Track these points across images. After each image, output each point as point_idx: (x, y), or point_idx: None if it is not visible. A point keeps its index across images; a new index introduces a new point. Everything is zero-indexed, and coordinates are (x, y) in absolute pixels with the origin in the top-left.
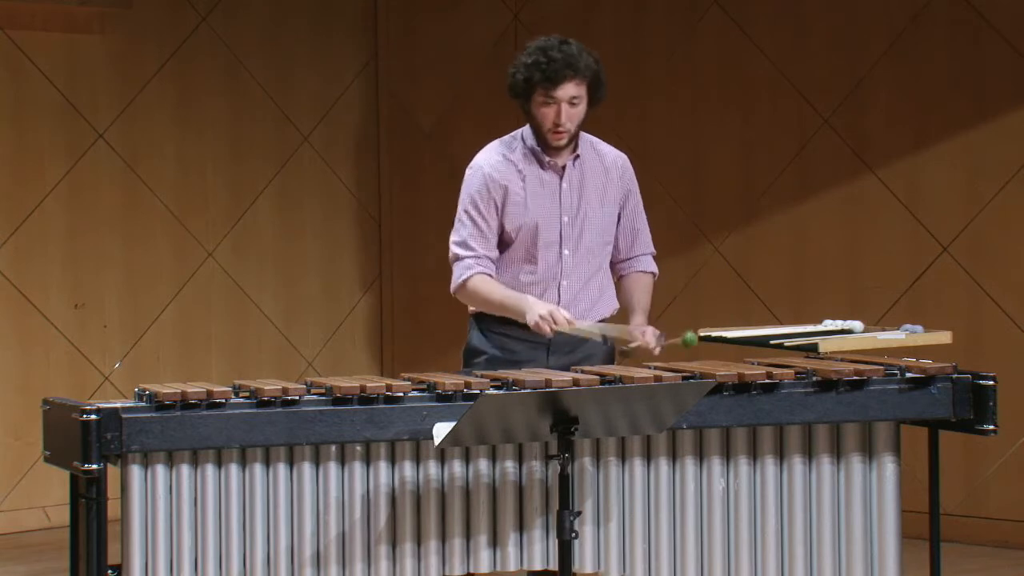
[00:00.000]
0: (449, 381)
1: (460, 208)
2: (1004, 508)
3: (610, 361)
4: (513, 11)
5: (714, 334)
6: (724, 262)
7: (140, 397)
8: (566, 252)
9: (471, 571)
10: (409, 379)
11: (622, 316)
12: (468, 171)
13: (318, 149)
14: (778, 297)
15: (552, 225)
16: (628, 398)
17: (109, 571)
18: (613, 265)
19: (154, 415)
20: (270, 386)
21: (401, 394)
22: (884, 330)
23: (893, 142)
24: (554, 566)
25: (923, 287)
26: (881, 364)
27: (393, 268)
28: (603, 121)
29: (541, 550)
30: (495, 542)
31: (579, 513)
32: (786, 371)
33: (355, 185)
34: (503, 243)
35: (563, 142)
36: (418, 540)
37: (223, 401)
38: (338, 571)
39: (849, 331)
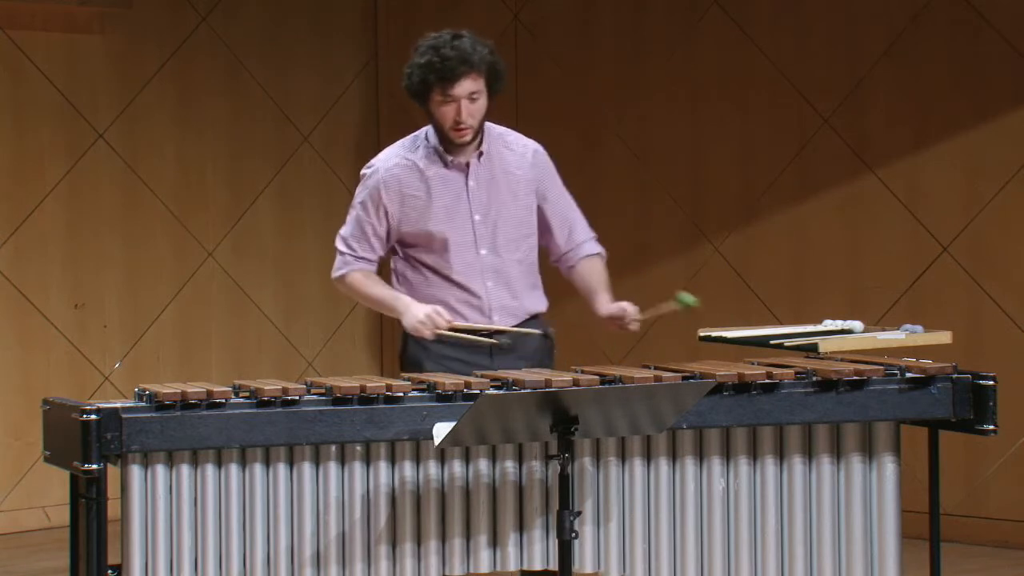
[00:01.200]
0: (449, 381)
1: (352, 205)
2: (1004, 508)
3: (547, 354)
4: (513, 11)
5: (714, 334)
6: (724, 262)
7: (140, 397)
8: (483, 251)
9: (471, 571)
10: (409, 379)
11: (585, 303)
12: (364, 170)
13: (318, 149)
14: (778, 297)
15: (463, 225)
16: (628, 398)
17: (109, 571)
18: (557, 260)
19: (154, 415)
20: (270, 386)
21: (401, 394)
22: (884, 330)
23: (893, 142)
24: (554, 566)
25: (923, 287)
26: (881, 364)
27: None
28: (603, 121)
29: (541, 550)
30: (495, 542)
31: (579, 513)
32: (786, 371)
33: (355, 185)
34: (411, 245)
35: (467, 138)
36: (418, 540)
37: (223, 401)
38: (338, 571)
39: (849, 331)
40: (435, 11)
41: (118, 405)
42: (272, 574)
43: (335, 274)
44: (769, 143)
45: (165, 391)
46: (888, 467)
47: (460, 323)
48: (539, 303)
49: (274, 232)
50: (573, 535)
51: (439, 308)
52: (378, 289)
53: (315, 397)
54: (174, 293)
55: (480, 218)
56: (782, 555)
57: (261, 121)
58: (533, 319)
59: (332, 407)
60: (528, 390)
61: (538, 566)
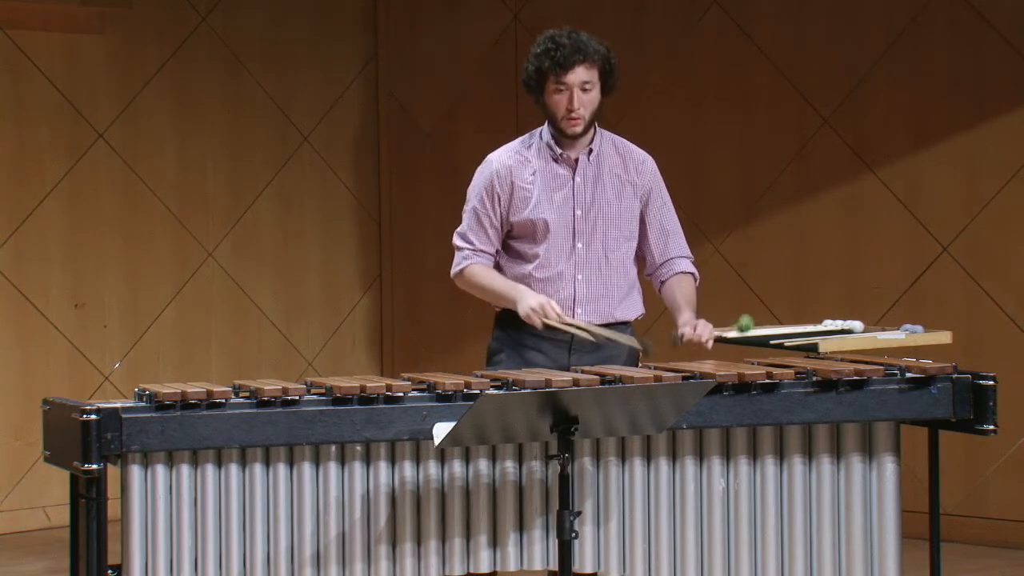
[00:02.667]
0: (449, 381)
1: (467, 201)
2: (1004, 508)
3: (633, 363)
4: (513, 11)
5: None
6: (724, 262)
7: (140, 397)
8: (580, 245)
9: (471, 571)
10: (409, 379)
11: (669, 318)
12: (480, 166)
13: (318, 149)
14: (778, 297)
15: (564, 218)
16: (628, 398)
17: (109, 571)
18: (652, 273)
19: (154, 415)
20: (270, 386)
21: (401, 394)
22: (884, 330)
23: (893, 142)
24: (554, 566)
25: (923, 287)
26: (881, 364)
27: (393, 268)
28: (603, 121)
29: (541, 550)
30: (495, 542)
31: (579, 513)
32: (786, 371)
33: (355, 185)
34: (517, 238)
35: (579, 129)
36: (418, 540)
37: (223, 401)
38: (338, 571)
39: (849, 331)
40: (435, 11)
41: (118, 405)
42: (272, 574)
43: (455, 269)
44: (769, 143)
45: (165, 391)
46: (888, 467)
47: (569, 318)
48: (630, 311)
49: (274, 232)
50: (573, 535)
51: (551, 300)
52: (497, 280)
53: (315, 397)
54: (174, 293)
55: (581, 213)
56: (782, 555)
57: (261, 121)
58: (622, 325)
59: (332, 407)
60: (528, 390)
61: (538, 566)
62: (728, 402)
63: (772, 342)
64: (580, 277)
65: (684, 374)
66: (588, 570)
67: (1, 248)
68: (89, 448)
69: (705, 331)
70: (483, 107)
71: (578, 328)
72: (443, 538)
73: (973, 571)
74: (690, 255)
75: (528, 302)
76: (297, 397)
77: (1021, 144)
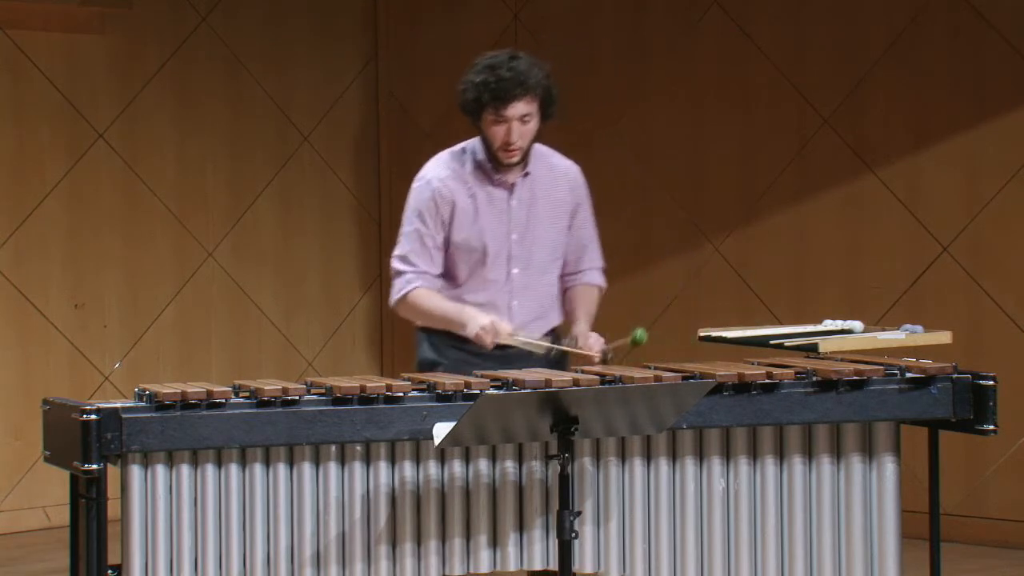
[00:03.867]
0: (449, 381)
1: (405, 222)
2: (1004, 508)
3: (560, 364)
4: (513, 11)
5: (714, 334)
6: (724, 262)
7: (140, 397)
8: (515, 271)
9: (471, 571)
10: (409, 379)
11: (565, 325)
12: (415, 183)
13: (318, 149)
14: (778, 297)
15: (501, 243)
16: (628, 398)
17: (109, 571)
18: (560, 278)
19: (154, 415)
20: (270, 386)
21: (401, 394)
22: (884, 330)
23: (893, 142)
24: (554, 566)
25: (923, 287)
26: (881, 364)
27: None
28: (603, 121)
29: (541, 550)
30: (495, 542)
31: (579, 513)
32: (786, 371)
33: (355, 185)
34: (450, 260)
35: (515, 160)
36: (418, 540)
37: (223, 401)
38: (338, 571)
39: (849, 331)
40: (435, 11)
41: (118, 405)
42: (272, 574)
43: (395, 296)
44: (769, 143)
45: (165, 391)
46: (888, 467)
47: (519, 335)
48: (556, 319)
49: (274, 232)
50: (573, 535)
51: (499, 318)
52: (443, 303)
53: (315, 397)
54: (174, 293)
55: (517, 237)
56: (782, 555)
57: (261, 121)
58: (549, 332)
59: (332, 407)
60: (528, 390)
61: (538, 566)
62: (728, 402)
63: (772, 342)
64: (515, 303)
65: (684, 374)
66: (588, 570)
67: (1, 248)
68: (89, 448)
69: (596, 344)
70: None
71: (530, 343)
72: (443, 538)
73: (973, 571)
74: (602, 264)
75: (478, 321)
76: (297, 397)
77: (1021, 144)
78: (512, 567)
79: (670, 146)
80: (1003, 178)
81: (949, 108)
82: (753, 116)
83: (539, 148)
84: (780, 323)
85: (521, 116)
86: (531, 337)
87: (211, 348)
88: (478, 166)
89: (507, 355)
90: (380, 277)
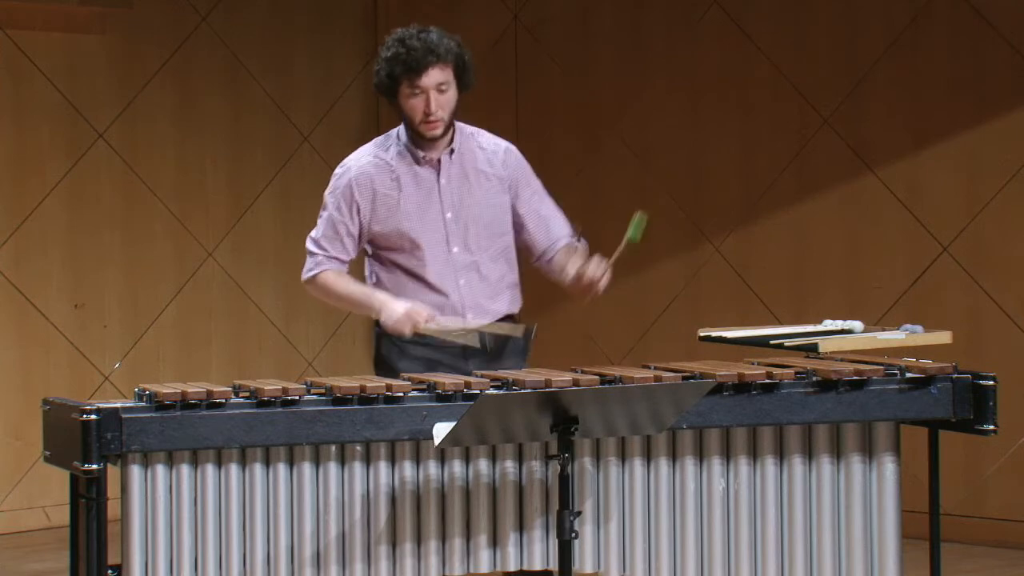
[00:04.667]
0: (449, 381)
1: (322, 206)
2: (1004, 508)
3: (524, 357)
4: (513, 11)
5: (714, 334)
6: (724, 262)
7: (140, 397)
8: (455, 249)
9: (471, 571)
10: (409, 379)
11: (562, 283)
12: (336, 170)
13: (318, 149)
14: (778, 297)
15: (435, 223)
16: (628, 398)
17: (109, 571)
18: (538, 260)
19: (154, 415)
20: (270, 386)
21: (401, 394)
22: (884, 330)
23: (893, 142)
24: (554, 566)
25: (923, 287)
26: (881, 364)
27: None
28: (603, 121)
29: (541, 550)
30: (495, 542)
31: (579, 513)
32: (786, 371)
33: None
34: (386, 247)
35: (438, 132)
36: (418, 540)
37: (223, 401)
38: (338, 571)
39: (849, 331)
40: (435, 11)
41: (118, 405)
42: (272, 574)
43: (305, 275)
44: (769, 143)
45: (165, 391)
46: (888, 467)
47: (440, 319)
48: (513, 304)
49: (274, 232)
50: (573, 535)
51: (418, 305)
52: (352, 287)
53: (315, 397)
54: (174, 293)
55: (452, 216)
56: (782, 555)
57: (261, 121)
58: (506, 318)
59: (332, 407)
60: (528, 390)
61: (538, 566)
62: (728, 402)
63: (772, 342)
64: (462, 282)
65: (684, 374)
66: (588, 570)
67: (1, 248)
68: (89, 448)
69: (598, 269)
70: (482, 107)
71: (451, 331)
72: (443, 538)
73: (973, 571)
74: (572, 230)
75: (393, 309)
76: (297, 397)
77: (1021, 144)
78: (512, 567)
79: (670, 146)
80: (1003, 178)
81: (949, 108)
82: (753, 116)
83: (466, 128)
84: (780, 323)
85: (437, 85)
86: (452, 324)
87: (211, 348)
88: (403, 149)
89: (465, 347)
90: None
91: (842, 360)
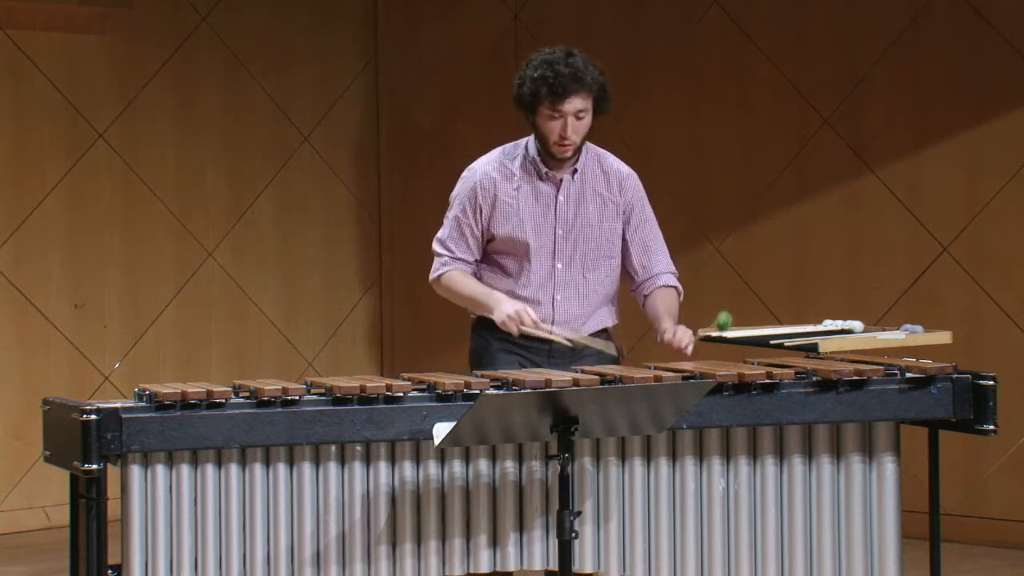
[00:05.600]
0: (449, 381)
1: (449, 208)
2: (1004, 508)
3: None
4: (513, 11)
5: (714, 334)
6: (724, 262)
7: (140, 397)
8: (559, 265)
9: (471, 571)
10: (409, 379)
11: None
12: (464, 173)
13: (318, 149)
14: (778, 297)
15: (545, 237)
16: (628, 398)
17: (109, 571)
18: (635, 290)
19: (154, 415)
20: (270, 386)
21: (401, 394)
22: (884, 330)
23: (893, 142)
24: (554, 566)
25: (923, 287)
26: (881, 364)
27: (393, 268)
28: (603, 121)
29: (541, 550)
30: (495, 542)
31: (579, 513)
32: (786, 371)
33: (355, 185)
34: (498, 253)
35: (568, 154)
36: (418, 540)
37: (223, 401)
38: (338, 571)
39: (849, 331)
40: (435, 11)
41: (118, 405)
42: (272, 574)
43: (433, 275)
44: (769, 143)
45: (165, 391)
46: (888, 467)
47: (544, 326)
48: (609, 318)
49: (274, 232)
50: (573, 535)
51: (527, 307)
52: (474, 286)
53: (315, 397)
54: (174, 293)
55: (563, 232)
56: (782, 555)
57: (261, 121)
58: (601, 332)
59: (332, 407)
60: (528, 390)
61: (538, 566)
62: (728, 402)
63: (772, 342)
64: (559, 297)
65: (684, 374)
66: (588, 570)
67: (1, 248)
68: (89, 448)
69: (685, 336)
70: (483, 107)
71: (553, 335)
72: (443, 538)
73: (973, 571)
74: (674, 271)
75: (504, 309)
76: (297, 397)
77: (1021, 144)
78: (512, 567)
79: (670, 146)
80: (1003, 178)
81: (949, 108)
82: (753, 116)
83: (594, 148)
84: (780, 323)
85: (576, 111)
86: (556, 330)
87: (211, 348)
88: (528, 161)
89: (551, 350)
90: (380, 277)
91: (842, 360)
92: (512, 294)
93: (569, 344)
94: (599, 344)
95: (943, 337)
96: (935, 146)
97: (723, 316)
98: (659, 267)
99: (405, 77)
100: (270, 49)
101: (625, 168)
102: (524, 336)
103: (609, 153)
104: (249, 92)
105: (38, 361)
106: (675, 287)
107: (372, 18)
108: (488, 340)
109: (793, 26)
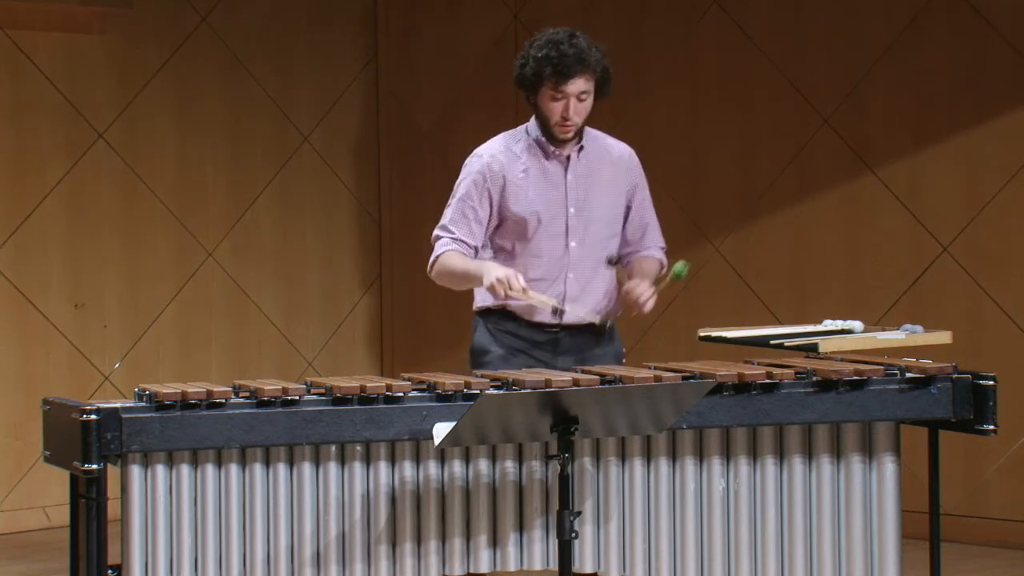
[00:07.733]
0: (449, 381)
1: (452, 193)
2: (1004, 508)
3: (619, 363)
4: (513, 11)
5: (714, 334)
6: (724, 262)
7: (140, 397)
8: (573, 244)
9: (471, 571)
10: (409, 379)
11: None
12: (469, 158)
13: (318, 149)
14: (778, 297)
15: (557, 216)
16: (628, 398)
17: (109, 571)
18: (620, 257)
19: (154, 415)
20: (270, 386)
21: (401, 394)
22: (884, 330)
23: (893, 142)
24: (554, 566)
25: (923, 287)
26: (881, 364)
27: (393, 268)
28: (603, 122)
29: (541, 550)
30: (495, 542)
31: (579, 513)
32: (786, 371)
33: (355, 185)
34: (506, 234)
35: (570, 135)
36: (418, 540)
37: (223, 401)
38: (338, 571)
39: (849, 331)
40: (435, 11)
41: (118, 405)
42: (272, 574)
43: (431, 261)
44: (769, 143)
45: (165, 391)
46: (888, 467)
47: (531, 292)
48: (610, 302)
49: (274, 232)
50: (573, 535)
51: (517, 272)
52: (468, 261)
53: (315, 397)
54: (174, 293)
55: (575, 211)
56: (782, 555)
57: (261, 121)
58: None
59: (332, 407)
60: (528, 390)
61: (538, 566)
62: (728, 402)
63: (772, 342)
64: (572, 276)
65: (684, 374)
66: (588, 570)
67: (1, 248)
68: (89, 448)
69: (646, 292)
70: (483, 107)
71: (540, 299)
72: (443, 538)
73: (973, 571)
74: (663, 245)
75: (495, 272)
76: (297, 397)
77: (1021, 144)
78: (512, 567)
79: (670, 146)
80: (1003, 178)
81: (949, 108)
82: (753, 116)
83: (592, 131)
84: (780, 323)
85: (579, 93)
86: (541, 298)
87: (211, 348)
88: (533, 143)
89: (557, 338)
90: (380, 277)
91: (842, 360)
92: (524, 275)
93: (555, 308)
94: (587, 314)
95: (943, 337)
96: (935, 146)
97: (679, 264)
98: (648, 242)
99: (405, 77)
100: (270, 49)
101: (625, 147)
102: (548, 330)
103: (605, 133)
104: (249, 92)
105: (38, 361)
106: (660, 258)
107: (372, 18)
108: (494, 336)
109: (793, 26)
